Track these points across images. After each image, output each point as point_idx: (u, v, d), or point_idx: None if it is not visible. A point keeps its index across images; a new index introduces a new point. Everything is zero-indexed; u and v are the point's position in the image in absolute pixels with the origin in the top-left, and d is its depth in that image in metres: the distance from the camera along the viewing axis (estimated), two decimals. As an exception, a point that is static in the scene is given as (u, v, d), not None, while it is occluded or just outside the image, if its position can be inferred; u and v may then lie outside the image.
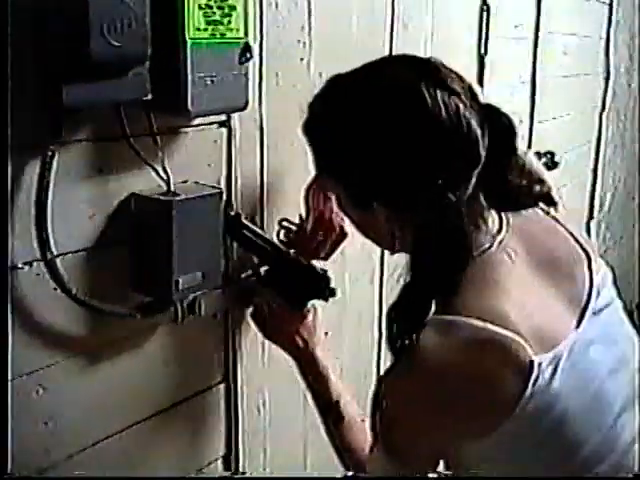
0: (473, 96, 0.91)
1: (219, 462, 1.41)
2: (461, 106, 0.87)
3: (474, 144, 0.88)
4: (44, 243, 1.01)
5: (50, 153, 0.98)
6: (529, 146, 2.48)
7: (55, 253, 1.03)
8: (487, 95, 2.11)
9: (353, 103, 0.91)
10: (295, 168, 1.43)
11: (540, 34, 2.42)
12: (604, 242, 3.47)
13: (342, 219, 1.27)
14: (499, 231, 0.97)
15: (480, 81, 2.07)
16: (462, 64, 1.96)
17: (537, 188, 1.04)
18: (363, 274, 1.69)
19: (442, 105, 0.86)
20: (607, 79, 3.21)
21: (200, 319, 1.26)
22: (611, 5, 3.11)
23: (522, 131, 2.45)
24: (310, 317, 1.27)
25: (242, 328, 1.38)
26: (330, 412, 1.19)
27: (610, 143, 3.37)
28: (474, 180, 0.90)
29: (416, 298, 0.90)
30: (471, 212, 0.92)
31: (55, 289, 1.04)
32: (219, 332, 1.35)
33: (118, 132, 1.07)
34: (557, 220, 1.07)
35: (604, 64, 3.18)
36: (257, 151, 1.34)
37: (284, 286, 1.28)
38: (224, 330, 1.36)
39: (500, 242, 0.96)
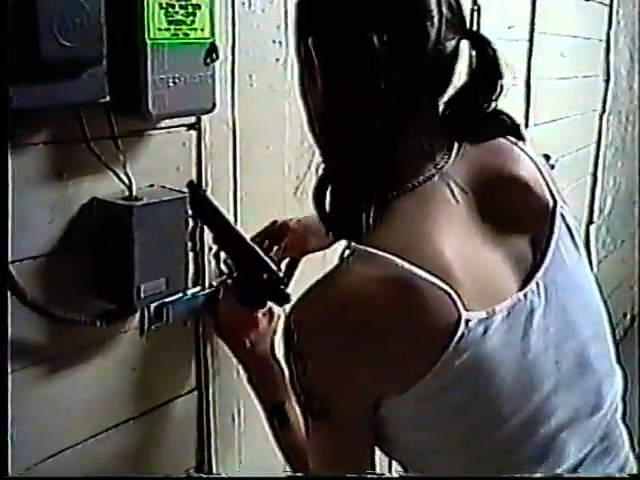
0: (459, 16, 0.86)
1: (191, 472, 1.38)
2: None
3: (422, 18, 0.82)
4: (-3, 249, 0.98)
5: (1, 157, 0.95)
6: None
7: (10, 259, 1.00)
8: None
9: None
10: (269, 172, 1.40)
11: (535, 35, 2.38)
12: (604, 247, 3.42)
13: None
14: (446, 161, 0.89)
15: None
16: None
17: (505, 119, 0.92)
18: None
19: None
20: (607, 81, 3.17)
21: (170, 326, 1.23)
22: (611, 6, 3.06)
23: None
24: (264, 321, 1.23)
25: (215, 336, 1.35)
26: (275, 414, 1.15)
27: (610, 146, 3.32)
28: (420, 77, 0.83)
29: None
30: (418, 121, 0.85)
31: (11, 296, 1.02)
32: (190, 339, 1.32)
33: (78, 135, 1.04)
34: (526, 153, 0.97)
35: (604, 66, 3.13)
36: (229, 154, 1.30)
37: (242, 281, 1.24)
38: (195, 338, 1.32)
39: (444, 173, 0.88)
